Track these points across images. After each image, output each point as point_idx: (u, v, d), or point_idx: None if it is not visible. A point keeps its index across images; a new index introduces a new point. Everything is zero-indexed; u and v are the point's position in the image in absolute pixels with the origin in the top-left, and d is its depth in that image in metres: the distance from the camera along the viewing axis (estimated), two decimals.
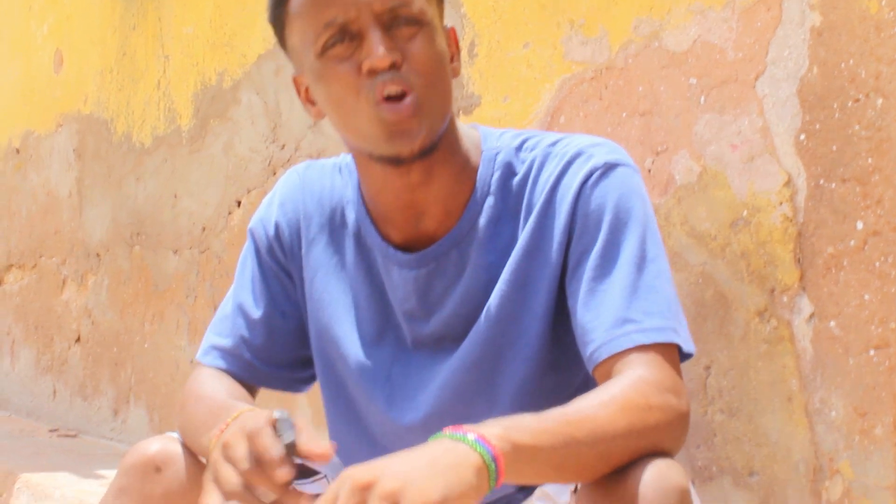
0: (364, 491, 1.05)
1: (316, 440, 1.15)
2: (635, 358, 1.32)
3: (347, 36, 1.36)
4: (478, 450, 1.10)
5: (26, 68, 4.73)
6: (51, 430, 4.17)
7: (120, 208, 3.91)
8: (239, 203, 3.20)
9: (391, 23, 1.36)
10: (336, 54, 1.37)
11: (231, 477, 1.19)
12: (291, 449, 1.18)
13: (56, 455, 3.59)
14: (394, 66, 1.35)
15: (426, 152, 1.39)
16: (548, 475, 1.21)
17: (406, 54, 1.36)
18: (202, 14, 3.41)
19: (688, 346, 1.38)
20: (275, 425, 1.20)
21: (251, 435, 1.20)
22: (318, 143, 2.85)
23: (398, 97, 1.35)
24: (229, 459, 1.20)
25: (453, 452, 1.09)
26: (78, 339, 4.20)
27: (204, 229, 3.38)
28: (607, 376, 1.33)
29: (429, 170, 1.42)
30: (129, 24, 3.87)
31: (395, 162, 1.40)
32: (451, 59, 1.44)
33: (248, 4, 3.18)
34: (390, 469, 1.07)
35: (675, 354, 1.35)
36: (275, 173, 3.03)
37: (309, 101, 1.47)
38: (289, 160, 2.97)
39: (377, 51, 1.34)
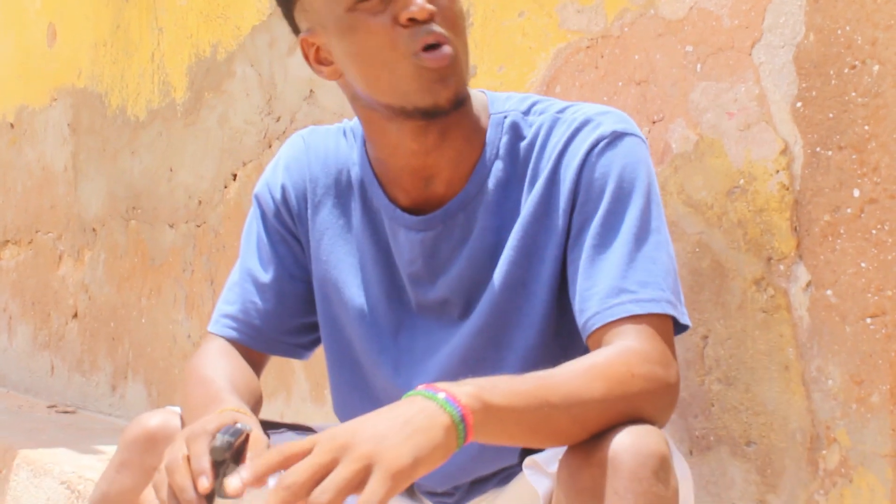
0: (339, 451, 1.07)
1: (256, 463, 1.14)
2: (627, 328, 1.33)
3: None
4: (447, 409, 1.12)
5: (19, 42, 4.71)
6: (49, 406, 4.18)
7: (115, 182, 3.90)
8: (235, 176, 3.19)
9: None
10: (369, 7, 1.38)
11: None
12: (231, 453, 1.18)
13: (55, 431, 3.60)
14: (431, 14, 1.37)
15: (457, 105, 1.40)
16: (521, 437, 1.22)
17: (438, 5, 1.38)
18: None
19: (683, 318, 1.38)
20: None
21: (189, 439, 1.21)
22: (313, 114, 2.84)
23: (435, 46, 1.37)
24: (168, 466, 1.20)
25: (424, 413, 1.11)
26: (75, 315, 4.19)
27: (200, 203, 3.37)
28: (600, 344, 1.33)
29: (444, 131, 1.42)
30: None
31: (430, 114, 1.40)
32: None
33: None
34: (365, 431, 1.08)
35: (669, 326, 1.35)
36: (270, 146, 3.02)
37: (319, 62, 1.46)
38: (284, 132, 2.96)
39: (417, 0, 1.36)
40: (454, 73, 1.38)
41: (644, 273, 1.35)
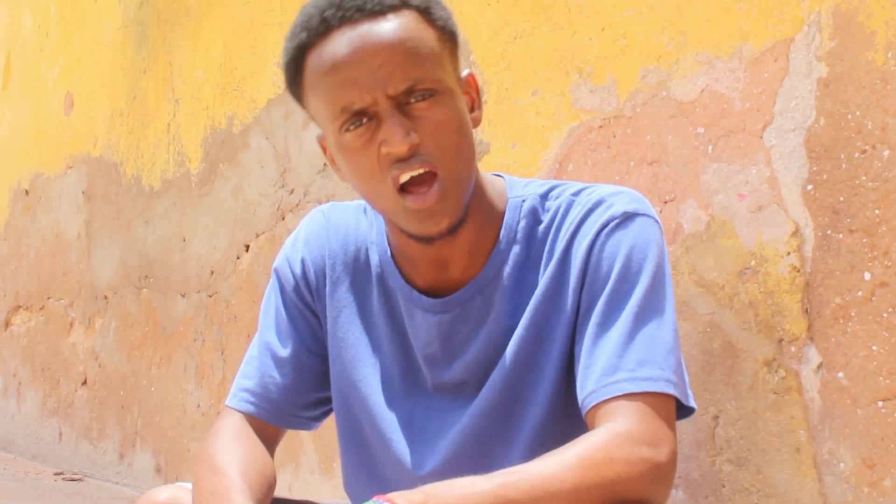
0: None
1: None
2: (620, 407, 1.33)
3: (365, 117, 1.36)
4: None
5: (36, 110, 4.76)
6: (56, 473, 4.16)
7: (128, 251, 3.92)
8: (247, 247, 3.21)
9: (406, 99, 1.35)
10: (355, 136, 1.37)
11: None
12: None
13: (61, 498, 3.58)
14: (413, 148, 1.35)
15: (453, 231, 1.40)
16: None
17: (424, 129, 1.35)
18: (212, 58, 3.44)
19: (686, 398, 1.38)
20: None
21: None
22: (326, 188, 2.86)
23: (421, 181, 1.35)
24: None
25: None
26: (84, 382, 4.19)
27: (212, 273, 3.39)
28: (594, 424, 1.34)
29: (455, 231, 1.43)
30: (140, 68, 3.90)
31: (425, 241, 1.41)
32: (472, 108, 1.45)
33: (257, 49, 3.20)
34: None
35: (668, 405, 1.35)
36: (283, 218, 3.04)
37: (335, 163, 1.47)
38: (297, 205, 2.98)
39: (395, 137, 1.33)
40: (443, 207, 1.37)
41: (643, 352, 1.36)
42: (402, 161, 1.35)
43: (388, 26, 1.36)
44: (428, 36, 1.38)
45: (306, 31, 1.39)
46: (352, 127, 1.36)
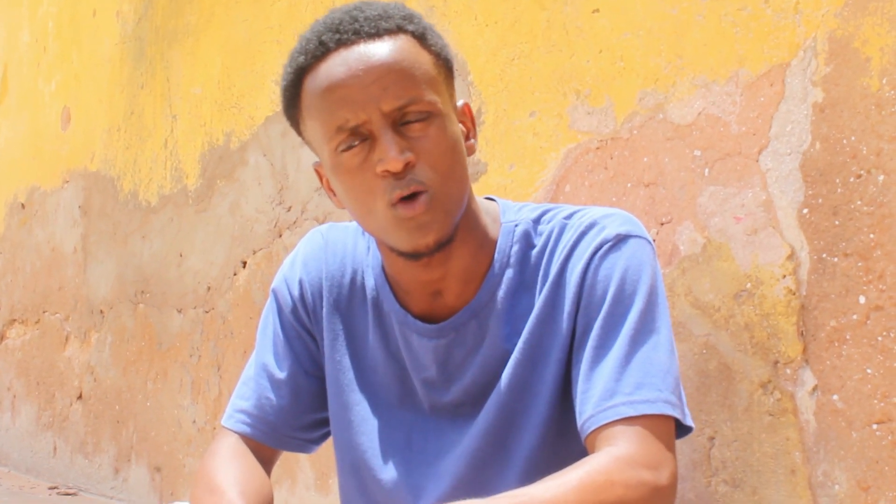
0: None
1: None
2: (620, 431, 1.34)
3: (359, 137, 1.38)
4: None
5: (34, 124, 4.77)
6: (51, 488, 4.16)
7: (125, 266, 3.93)
8: (244, 264, 3.22)
9: (402, 119, 1.38)
10: (350, 156, 1.39)
11: None
12: None
13: None
14: (408, 166, 1.37)
15: (443, 244, 1.41)
16: None
17: (419, 150, 1.38)
18: (210, 75, 3.45)
19: (685, 419, 1.39)
20: None
21: None
22: (324, 205, 2.87)
23: (412, 197, 1.37)
24: None
25: None
26: (80, 396, 4.20)
27: (209, 289, 3.40)
28: (594, 448, 1.35)
29: (447, 254, 1.44)
30: (138, 84, 3.91)
31: (414, 257, 1.42)
32: (467, 137, 1.46)
33: (255, 66, 3.22)
34: None
35: (667, 426, 1.36)
36: (281, 235, 3.05)
37: (331, 189, 1.49)
38: (295, 222, 2.99)
39: (389, 154, 1.35)
40: (433, 219, 1.38)
41: (640, 374, 1.37)
42: (396, 180, 1.37)
43: (384, 46, 1.39)
44: (423, 59, 1.41)
45: (304, 54, 1.41)
46: (347, 147, 1.38)
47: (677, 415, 1.37)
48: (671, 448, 1.36)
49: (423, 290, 1.48)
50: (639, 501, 1.29)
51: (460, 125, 1.45)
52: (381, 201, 1.38)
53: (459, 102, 1.48)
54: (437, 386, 1.50)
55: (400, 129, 1.37)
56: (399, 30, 1.40)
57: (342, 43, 1.38)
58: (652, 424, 1.34)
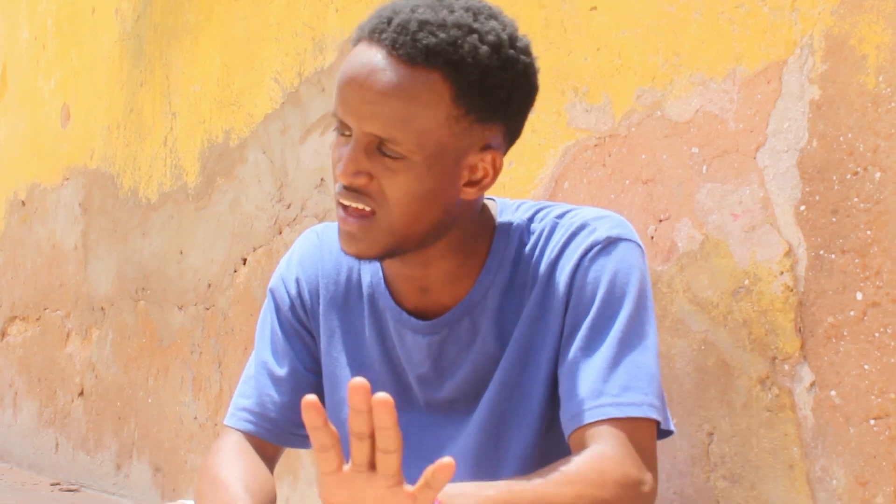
0: None
1: None
2: (605, 431, 1.36)
3: (346, 129, 1.39)
4: None
5: (33, 121, 4.78)
6: (53, 484, 4.18)
7: (125, 263, 3.94)
8: (245, 260, 3.23)
9: (374, 148, 1.36)
10: (336, 140, 1.41)
11: None
12: None
13: None
14: (358, 186, 1.36)
15: (381, 258, 1.42)
16: None
17: (381, 180, 1.36)
18: (209, 72, 3.46)
19: (666, 423, 1.42)
20: None
21: None
22: (324, 203, 2.88)
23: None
24: None
25: None
26: (81, 393, 4.21)
27: (209, 286, 3.41)
28: (579, 446, 1.37)
29: (423, 260, 1.46)
30: (137, 81, 3.92)
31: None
32: (472, 183, 1.42)
33: (255, 64, 3.23)
34: None
35: (650, 430, 1.39)
36: (280, 232, 3.06)
37: None
38: (294, 219, 3.00)
39: (344, 168, 1.36)
40: (362, 237, 1.38)
41: (627, 377, 1.39)
42: (347, 189, 1.37)
43: (402, 76, 1.34)
44: (435, 108, 1.35)
45: (360, 28, 1.41)
46: (338, 130, 1.40)
47: (660, 418, 1.40)
48: (653, 451, 1.39)
49: (410, 285, 1.50)
50: (627, 501, 1.31)
51: (465, 171, 1.40)
52: (334, 190, 1.40)
53: (488, 150, 1.41)
54: (431, 382, 1.52)
55: (374, 151, 1.36)
56: (431, 64, 1.34)
57: (378, 41, 1.36)
58: (636, 427, 1.37)
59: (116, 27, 4.09)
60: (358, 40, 1.40)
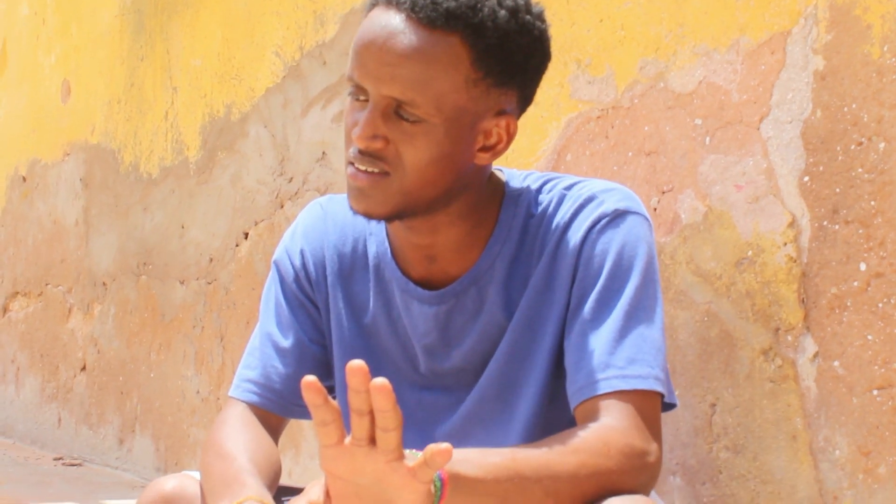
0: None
1: None
2: (612, 403, 1.37)
3: (363, 94, 1.39)
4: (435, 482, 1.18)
5: (33, 97, 4.77)
6: (56, 459, 4.19)
7: (127, 238, 3.94)
8: (246, 235, 3.23)
9: (392, 111, 1.36)
10: (350, 105, 1.41)
11: None
12: None
13: (61, 484, 3.61)
14: (374, 150, 1.36)
15: (389, 219, 1.42)
16: None
17: (398, 142, 1.36)
18: (210, 47, 3.45)
19: (671, 397, 1.42)
20: None
21: None
22: (325, 176, 2.88)
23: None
24: None
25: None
26: (83, 368, 4.22)
27: (211, 260, 3.41)
28: (585, 418, 1.37)
29: (432, 226, 1.46)
30: (138, 56, 3.91)
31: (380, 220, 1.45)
32: (486, 148, 1.42)
33: (255, 38, 3.22)
34: (354, 489, 1.17)
35: (656, 403, 1.39)
36: (282, 206, 3.06)
37: None
38: (296, 193, 3.00)
39: (360, 132, 1.36)
40: (373, 194, 1.38)
41: (634, 350, 1.39)
42: (362, 153, 1.38)
43: (421, 39, 1.34)
44: (454, 71, 1.35)
45: None
46: (353, 95, 1.40)
47: (665, 391, 1.40)
48: (658, 423, 1.39)
49: (417, 254, 1.50)
50: (633, 472, 1.32)
51: (480, 135, 1.40)
52: (347, 153, 1.40)
53: (503, 115, 1.41)
54: (437, 352, 1.52)
55: (390, 114, 1.37)
56: (451, 27, 1.34)
57: (397, 5, 1.36)
58: (642, 399, 1.38)
59: (116, 2, 4.08)
60: (373, 5, 1.39)
